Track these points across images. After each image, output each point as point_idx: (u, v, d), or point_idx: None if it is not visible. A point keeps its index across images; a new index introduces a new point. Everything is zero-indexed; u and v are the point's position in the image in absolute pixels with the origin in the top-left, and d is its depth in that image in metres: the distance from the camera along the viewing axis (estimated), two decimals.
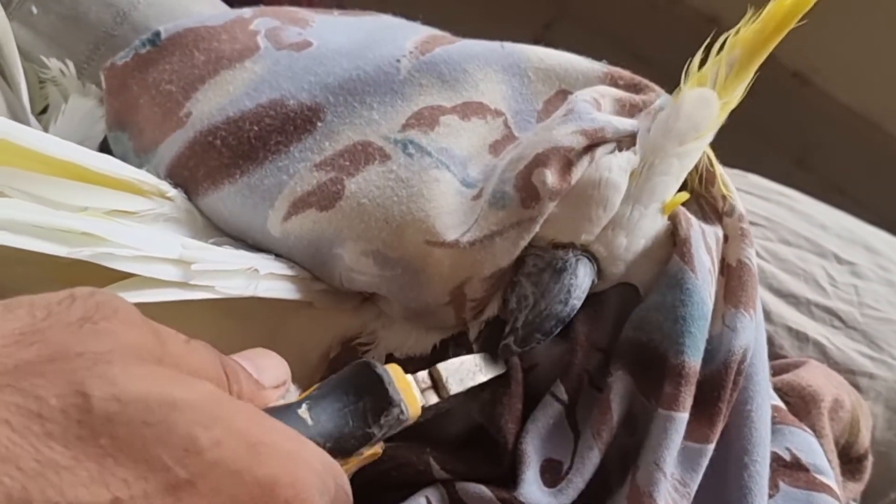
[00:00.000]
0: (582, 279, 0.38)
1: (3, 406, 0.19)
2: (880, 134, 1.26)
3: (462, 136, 0.41)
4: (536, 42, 0.49)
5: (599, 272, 0.39)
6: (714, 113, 0.38)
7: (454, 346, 0.39)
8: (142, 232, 0.36)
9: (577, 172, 0.37)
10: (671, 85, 0.45)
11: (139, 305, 0.24)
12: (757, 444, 0.38)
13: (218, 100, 0.43)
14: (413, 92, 0.42)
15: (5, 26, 0.44)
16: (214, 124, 0.42)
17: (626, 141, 0.39)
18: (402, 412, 0.32)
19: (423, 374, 0.35)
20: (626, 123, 0.39)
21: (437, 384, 0.35)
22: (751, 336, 0.39)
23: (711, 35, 0.39)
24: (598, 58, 0.47)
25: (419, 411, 0.34)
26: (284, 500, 0.23)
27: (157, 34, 0.46)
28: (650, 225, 0.39)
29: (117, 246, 0.33)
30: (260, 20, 0.47)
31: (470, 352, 0.38)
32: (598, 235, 0.38)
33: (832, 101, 1.24)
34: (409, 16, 0.51)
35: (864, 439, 0.47)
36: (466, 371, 0.37)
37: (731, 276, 0.40)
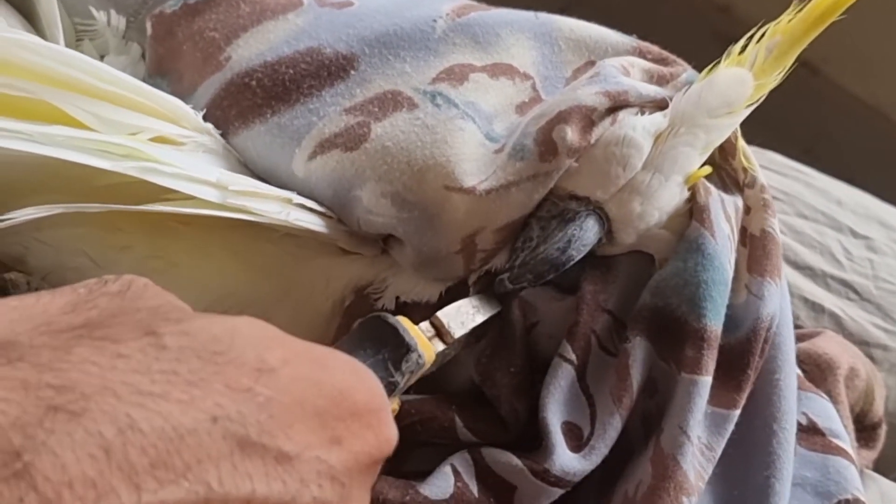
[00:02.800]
0: (586, 233, 0.38)
1: (87, 351, 0.20)
2: (889, 124, 1.26)
3: (490, 93, 0.42)
4: None
5: (609, 234, 0.39)
6: (747, 92, 0.39)
7: (460, 293, 0.40)
8: (184, 156, 0.37)
9: (598, 132, 0.38)
10: None
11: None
12: (786, 412, 0.39)
13: (258, 46, 0.44)
14: (446, 50, 0.43)
15: None
16: (252, 67, 0.43)
17: (649, 107, 0.40)
18: (419, 356, 0.33)
19: (425, 325, 0.36)
20: (650, 89, 0.40)
21: (440, 331, 0.36)
22: (777, 304, 0.39)
23: (755, 28, 0.40)
24: None
25: (434, 356, 0.35)
26: (363, 404, 0.24)
27: None
28: (668, 196, 0.39)
29: (161, 163, 0.34)
30: None
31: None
32: (613, 195, 0.38)
33: (841, 91, 1.25)
34: None
35: (879, 408, 0.48)
36: (465, 314, 0.38)
37: (756, 246, 0.41)
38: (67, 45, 0.46)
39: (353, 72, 0.42)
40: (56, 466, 0.18)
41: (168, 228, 0.38)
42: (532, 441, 0.38)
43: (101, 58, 0.48)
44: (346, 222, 0.40)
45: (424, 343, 0.34)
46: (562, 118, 0.37)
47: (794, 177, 0.58)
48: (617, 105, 0.38)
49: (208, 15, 0.46)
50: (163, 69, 0.47)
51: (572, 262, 0.38)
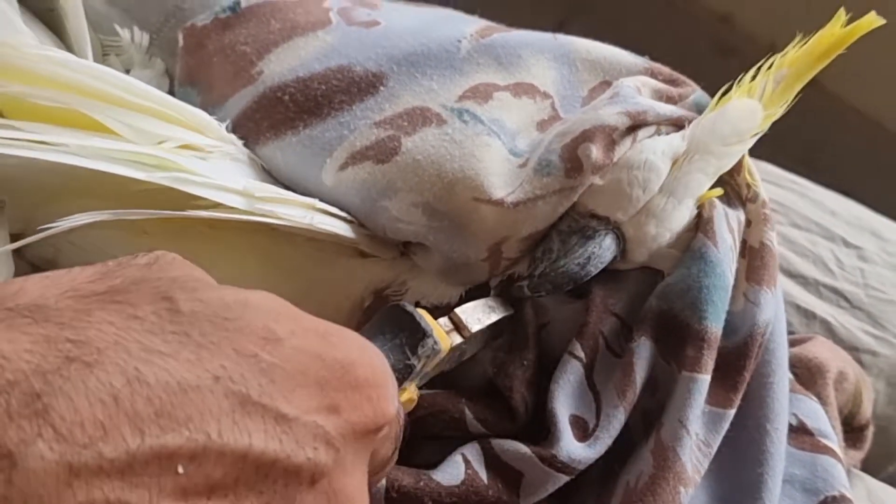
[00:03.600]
0: (604, 251, 0.40)
1: (105, 313, 0.22)
2: (887, 135, 1.28)
3: (513, 111, 0.44)
4: None
5: (623, 253, 0.42)
6: (757, 123, 0.42)
7: (477, 296, 0.42)
8: (210, 165, 0.39)
9: (620, 151, 0.40)
10: None
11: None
12: (778, 413, 0.41)
13: (289, 62, 0.46)
14: (471, 69, 0.45)
15: (76, 2, 0.46)
16: (284, 82, 0.45)
17: (665, 125, 0.43)
18: (435, 342, 0.35)
19: (443, 319, 0.38)
20: (667, 109, 0.43)
21: (457, 326, 0.38)
22: (772, 311, 0.42)
23: (765, 59, 0.43)
24: None
25: (449, 345, 0.37)
26: (364, 378, 0.25)
27: (238, 3, 0.49)
28: (680, 218, 0.42)
29: (190, 172, 0.36)
30: (332, 0, 0.50)
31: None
32: (631, 217, 0.41)
33: (840, 103, 1.26)
34: None
35: (866, 410, 0.49)
36: (482, 311, 0.40)
37: (754, 257, 0.43)
38: (95, 60, 0.48)
39: (382, 88, 0.44)
40: (70, 408, 0.20)
41: (193, 232, 0.40)
42: (539, 433, 0.40)
43: (127, 72, 0.50)
44: (371, 229, 0.42)
45: (441, 332, 0.36)
46: (586, 137, 0.40)
47: (789, 188, 0.60)
48: (636, 124, 0.41)
49: (239, 29, 0.48)
50: (193, 79, 0.49)
51: (588, 277, 0.40)
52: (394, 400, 0.27)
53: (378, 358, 0.27)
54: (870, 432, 0.50)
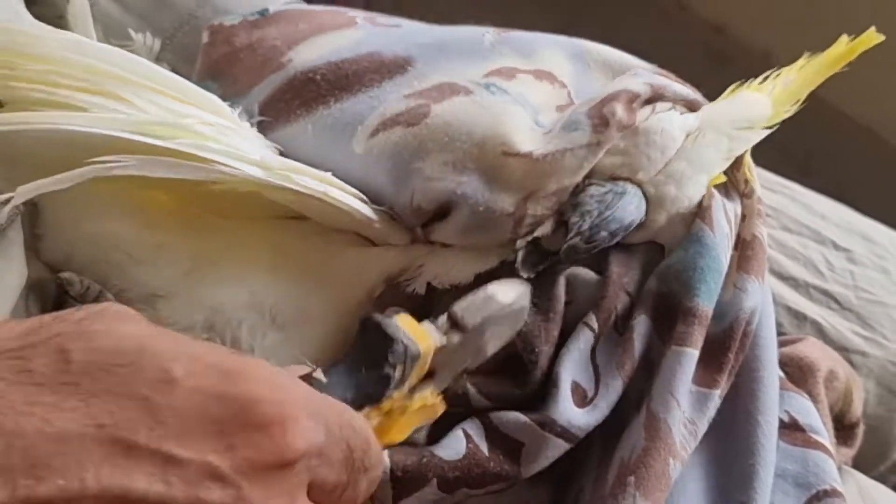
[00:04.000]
0: (638, 205, 0.42)
1: (1, 369, 0.24)
2: (882, 143, 1.29)
3: (535, 90, 0.46)
4: None
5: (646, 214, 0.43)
6: (766, 114, 0.45)
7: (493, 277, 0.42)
8: (229, 137, 0.40)
9: (641, 115, 0.43)
10: None
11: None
12: (768, 405, 0.42)
13: (319, 51, 0.48)
14: (494, 56, 0.47)
15: (84, 7, 0.47)
16: (315, 66, 0.47)
17: (680, 104, 0.45)
18: (406, 347, 0.35)
19: (442, 318, 0.39)
20: (684, 89, 0.45)
21: (457, 323, 0.39)
22: (758, 300, 0.43)
23: (771, 71, 0.47)
24: None
25: (431, 345, 0.37)
26: (266, 415, 0.26)
27: (266, 10, 0.52)
28: (696, 189, 0.44)
29: (210, 139, 0.37)
30: (356, 12, 0.53)
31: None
32: (651, 178, 0.43)
33: (835, 111, 1.27)
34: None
35: (857, 409, 0.50)
36: (480, 301, 0.40)
37: (745, 248, 0.45)
38: None
39: (410, 69, 0.46)
40: None
41: (205, 226, 0.41)
42: (540, 402, 0.41)
43: None
44: (399, 197, 0.43)
45: (419, 333, 0.37)
46: (612, 98, 0.42)
47: (780, 192, 0.62)
48: (655, 96, 0.43)
49: (268, 29, 0.50)
50: (215, 73, 0.51)
51: (632, 228, 0.42)
52: (305, 433, 0.27)
53: (292, 393, 0.27)
54: (860, 430, 0.51)
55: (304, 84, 0.46)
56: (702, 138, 0.44)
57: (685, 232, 0.44)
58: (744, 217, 0.46)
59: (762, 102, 0.45)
